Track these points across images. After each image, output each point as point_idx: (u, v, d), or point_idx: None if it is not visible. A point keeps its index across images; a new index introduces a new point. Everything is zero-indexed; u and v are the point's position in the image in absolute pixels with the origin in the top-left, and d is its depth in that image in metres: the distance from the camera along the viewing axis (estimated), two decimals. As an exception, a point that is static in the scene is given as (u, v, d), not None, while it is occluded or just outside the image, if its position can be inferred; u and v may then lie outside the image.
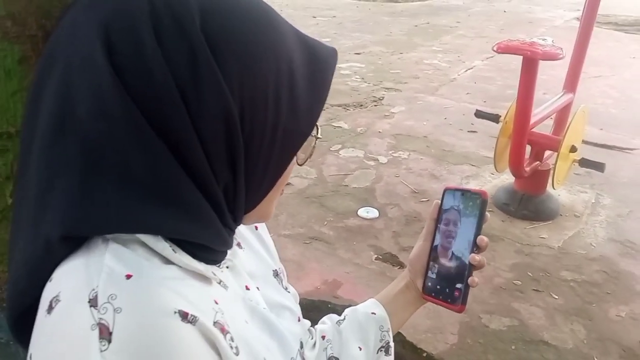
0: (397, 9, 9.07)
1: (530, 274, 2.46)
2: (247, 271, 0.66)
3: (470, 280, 0.77)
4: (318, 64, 0.57)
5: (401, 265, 2.46)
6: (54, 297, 0.46)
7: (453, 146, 3.75)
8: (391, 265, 2.48)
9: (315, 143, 0.63)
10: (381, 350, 0.88)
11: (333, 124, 4.04)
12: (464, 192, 0.81)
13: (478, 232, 0.78)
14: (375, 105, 4.48)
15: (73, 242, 0.48)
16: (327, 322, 0.91)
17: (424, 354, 2.01)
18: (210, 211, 0.51)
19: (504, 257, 2.58)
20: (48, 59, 0.49)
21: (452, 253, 0.80)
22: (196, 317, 0.46)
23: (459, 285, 0.78)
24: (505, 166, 2.83)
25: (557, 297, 2.31)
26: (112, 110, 0.45)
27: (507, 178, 3.15)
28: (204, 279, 0.53)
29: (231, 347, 0.51)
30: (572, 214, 2.94)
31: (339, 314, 0.91)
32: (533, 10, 9.09)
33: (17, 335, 0.55)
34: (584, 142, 3.34)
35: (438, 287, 0.82)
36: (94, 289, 0.45)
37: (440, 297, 0.81)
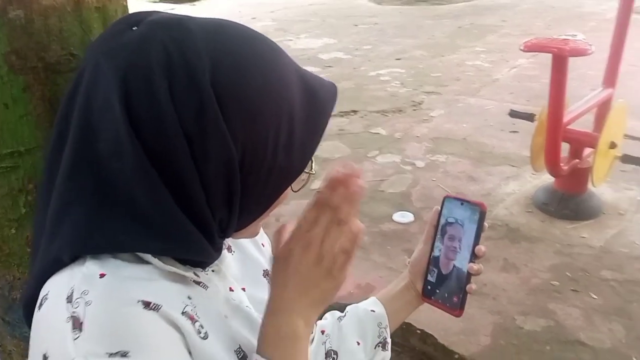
0: (440, 12, 8.99)
1: (569, 274, 2.41)
2: (233, 274, 0.73)
3: (468, 287, 0.82)
4: (316, 107, 0.62)
5: (435, 268, 2.47)
6: (44, 296, 0.55)
7: (493, 147, 3.71)
8: (425, 268, 2.49)
9: (309, 177, 0.67)
10: (378, 346, 0.92)
11: (370, 130, 4.07)
12: (464, 202, 0.84)
13: (477, 242, 0.82)
14: (414, 110, 4.48)
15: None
16: (329, 317, 0.96)
17: (456, 356, 2.01)
18: (201, 238, 0.57)
19: (543, 258, 2.54)
20: (73, 92, 0.57)
21: (454, 265, 0.84)
22: (159, 305, 0.53)
23: (458, 292, 0.83)
24: (542, 165, 2.78)
25: (596, 297, 2.25)
26: (124, 153, 0.53)
27: (548, 178, 3.08)
28: (182, 278, 0.60)
29: (199, 332, 0.58)
30: (615, 212, 2.85)
31: None
32: (583, 4, 8.77)
33: None
34: (632, 137, 3.24)
35: (437, 291, 0.86)
36: (71, 287, 0.53)
37: (440, 300, 0.86)
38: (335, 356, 0.90)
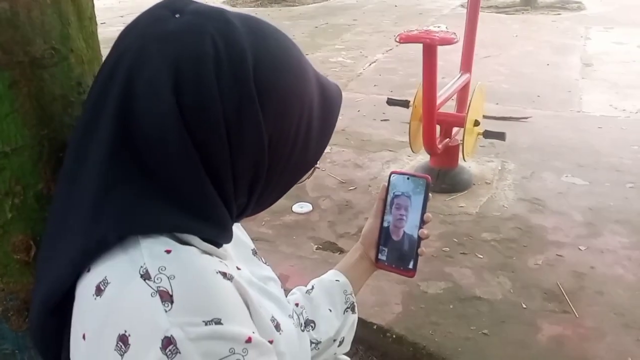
0: (295, 13, 9.27)
1: (455, 239, 2.69)
2: (234, 255, 0.77)
3: (419, 250, 0.92)
4: (329, 105, 0.67)
5: (341, 251, 2.61)
6: (101, 281, 0.53)
7: (370, 135, 3.97)
8: (332, 252, 2.62)
9: (314, 169, 0.73)
10: (348, 310, 1.00)
11: (253, 129, 4.12)
12: (410, 177, 0.94)
13: (424, 210, 0.92)
14: (290, 107, 4.61)
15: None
16: (297, 292, 1.02)
17: (375, 327, 2.15)
18: (229, 220, 0.61)
19: (431, 228, 2.72)
20: (110, 74, 0.56)
21: (404, 232, 0.94)
22: (232, 275, 0.57)
23: (410, 256, 0.93)
24: (420, 147, 3.06)
25: (481, 256, 2.55)
26: (170, 139, 0.54)
27: (422, 158, 3.40)
28: (213, 257, 0.63)
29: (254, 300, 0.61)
30: (483, 182, 3.23)
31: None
32: (422, 2, 9.62)
33: (39, 338, 0.62)
34: (485, 116, 3.65)
35: (390, 257, 0.96)
36: (142, 266, 0.53)
37: (393, 265, 0.95)
38: (313, 325, 0.97)
